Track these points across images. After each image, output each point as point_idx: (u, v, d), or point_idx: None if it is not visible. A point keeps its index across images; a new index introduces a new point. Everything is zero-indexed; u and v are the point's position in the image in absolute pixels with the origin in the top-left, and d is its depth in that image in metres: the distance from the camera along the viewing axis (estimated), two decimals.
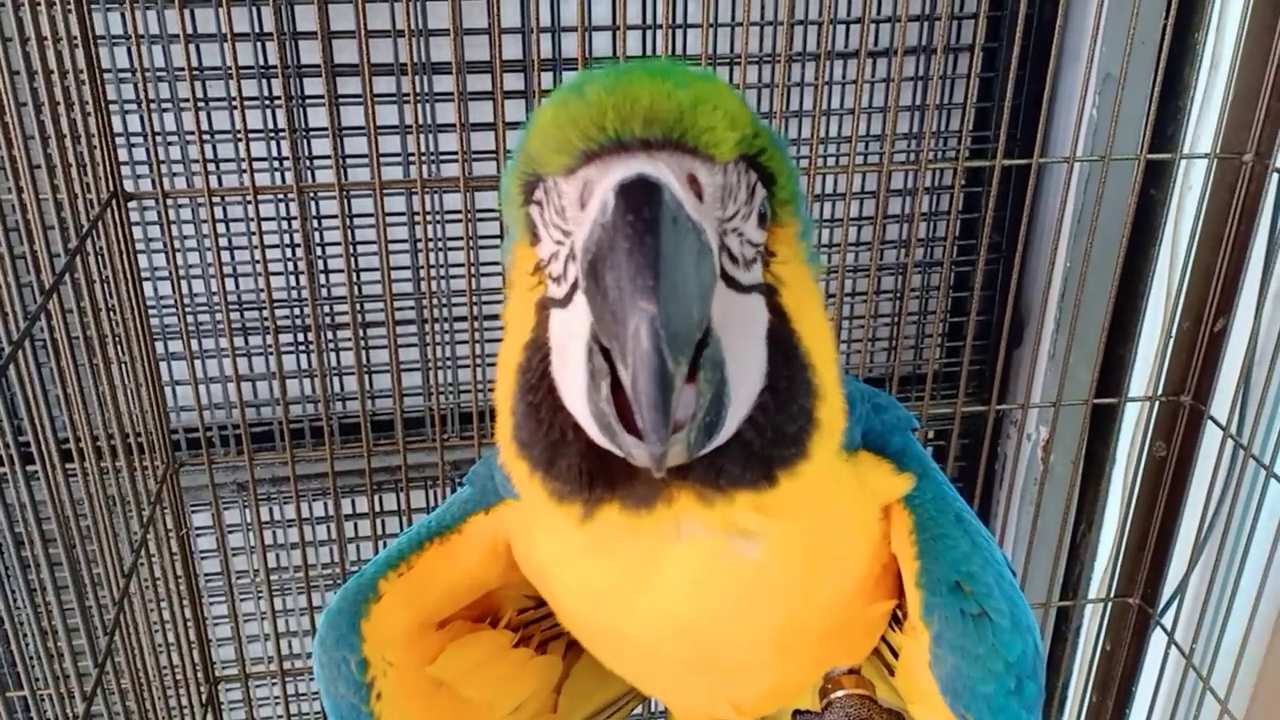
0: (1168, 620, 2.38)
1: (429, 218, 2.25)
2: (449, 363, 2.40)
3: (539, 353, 1.00)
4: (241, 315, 2.31)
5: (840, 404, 1.07)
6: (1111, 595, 2.51)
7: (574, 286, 0.95)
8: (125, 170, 2.04)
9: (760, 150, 0.98)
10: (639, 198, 0.86)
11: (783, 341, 1.00)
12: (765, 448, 0.98)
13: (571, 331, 0.95)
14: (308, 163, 2.22)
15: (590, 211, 0.89)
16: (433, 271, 2.29)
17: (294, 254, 2.28)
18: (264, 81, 2.14)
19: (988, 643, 1.13)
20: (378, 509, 2.22)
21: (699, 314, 0.89)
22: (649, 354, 0.84)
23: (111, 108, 1.89)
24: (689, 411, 0.90)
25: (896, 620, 1.39)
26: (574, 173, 0.92)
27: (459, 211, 2.22)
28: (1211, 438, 2.22)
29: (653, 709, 2.73)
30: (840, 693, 1.45)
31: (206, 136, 2.13)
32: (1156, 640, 2.42)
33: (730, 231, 0.96)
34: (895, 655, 1.44)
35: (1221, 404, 2.19)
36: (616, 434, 0.90)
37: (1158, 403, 2.31)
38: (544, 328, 1.00)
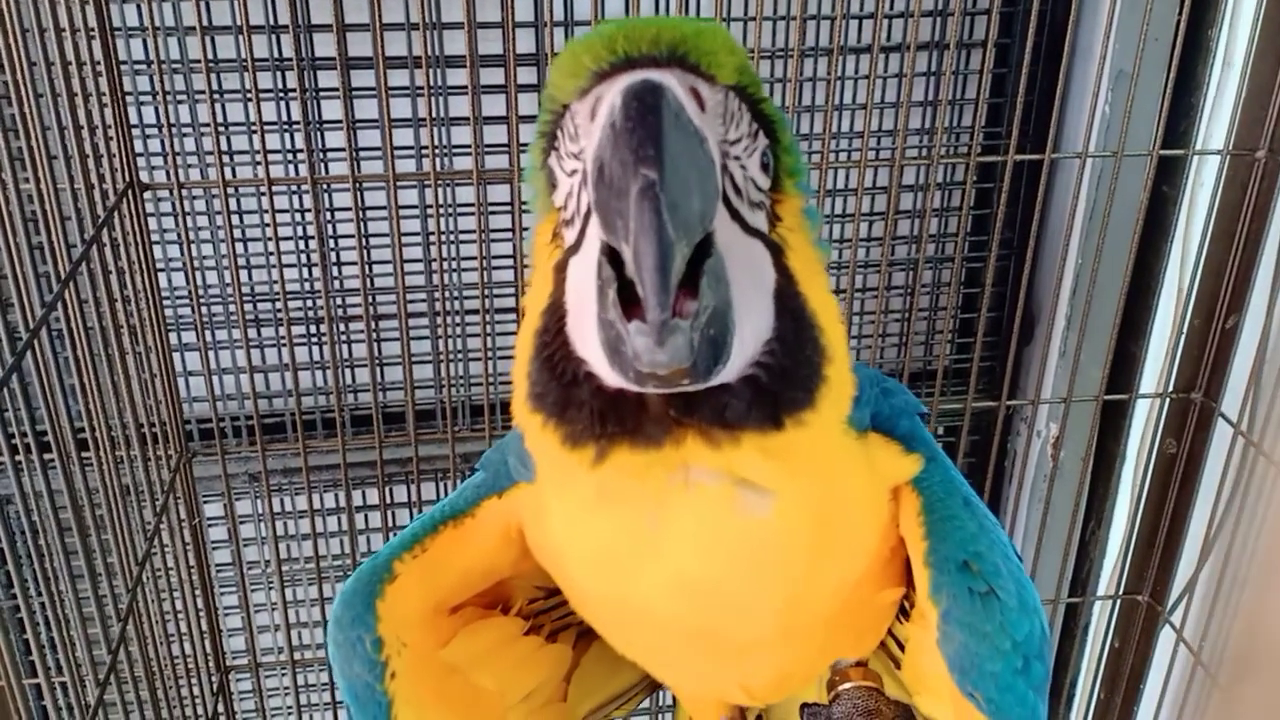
0: (1176, 617, 2.38)
1: (442, 210, 2.25)
2: (460, 355, 2.41)
3: (555, 314, 1.02)
4: (255, 307, 2.32)
5: (848, 372, 1.08)
6: (1120, 592, 2.51)
7: (585, 218, 0.98)
8: (141, 161, 2.05)
9: (759, 99, 1.03)
10: (643, 94, 0.91)
11: (790, 300, 1.02)
12: (772, 386, 1.00)
13: (584, 270, 0.97)
14: (321, 155, 2.23)
15: (599, 119, 0.93)
16: (445, 264, 2.30)
17: (307, 246, 2.29)
18: (279, 74, 2.15)
19: (995, 621, 1.15)
20: (389, 500, 2.23)
21: (700, 204, 0.91)
22: (650, 214, 0.87)
23: (128, 99, 1.90)
24: (692, 311, 0.91)
25: (903, 612, 1.40)
26: (587, 92, 0.96)
27: (471, 204, 2.23)
28: (1222, 435, 2.22)
29: (659, 703, 2.75)
30: (847, 685, 1.45)
31: (221, 128, 2.14)
32: (1165, 637, 2.42)
33: (732, 159, 1.00)
34: (902, 649, 1.45)
35: (1232, 401, 2.19)
36: (622, 341, 0.91)
37: (1168, 399, 2.31)
38: (561, 289, 1.02)
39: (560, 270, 1.03)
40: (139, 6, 2.05)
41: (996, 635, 1.15)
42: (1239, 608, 2.23)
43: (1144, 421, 2.37)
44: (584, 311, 0.97)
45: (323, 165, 2.23)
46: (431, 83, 2.13)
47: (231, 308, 2.26)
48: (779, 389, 1.00)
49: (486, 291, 1.99)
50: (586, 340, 0.98)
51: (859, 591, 1.25)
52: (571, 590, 1.27)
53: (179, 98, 2.13)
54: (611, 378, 0.96)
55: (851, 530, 1.19)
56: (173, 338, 2.20)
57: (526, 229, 2.03)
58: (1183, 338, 2.26)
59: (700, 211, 0.91)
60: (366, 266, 2.25)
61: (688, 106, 0.93)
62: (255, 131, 1.90)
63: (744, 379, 0.99)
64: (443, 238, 2.10)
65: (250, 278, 2.30)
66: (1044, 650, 1.18)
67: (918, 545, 1.20)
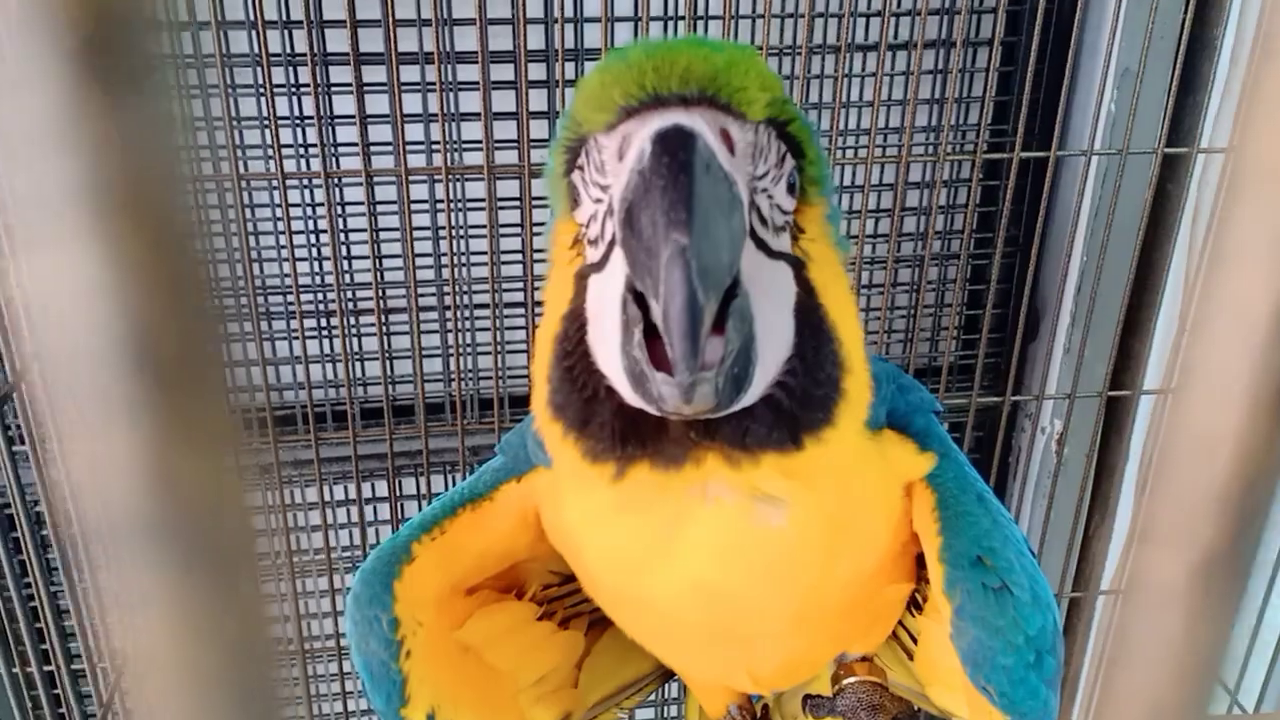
0: None
1: (452, 205, 2.27)
2: (470, 349, 2.42)
3: (576, 322, 1.03)
4: (266, 300, 2.34)
5: (866, 380, 1.10)
6: (1124, 588, 2.52)
7: (610, 245, 0.99)
8: None
9: (789, 120, 1.02)
10: (674, 144, 0.91)
11: (810, 314, 1.03)
12: (792, 409, 1.01)
13: (607, 292, 0.98)
14: (333, 150, 2.25)
15: (628, 161, 0.93)
16: (455, 259, 2.31)
17: (319, 240, 2.31)
18: (292, 69, 2.17)
19: (1008, 615, 1.16)
20: (398, 493, 2.25)
21: (729, 257, 0.92)
22: (681, 283, 0.87)
23: None
24: (717, 356, 0.93)
25: (916, 605, 1.41)
26: (614, 128, 0.96)
27: (482, 199, 2.25)
28: None
29: (666, 695, 2.76)
30: (852, 679, 1.47)
31: (235, 122, 2.16)
32: None
33: (760, 191, 1.00)
34: (914, 641, 1.47)
35: None
36: (647, 379, 0.93)
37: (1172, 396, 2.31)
38: (581, 297, 1.03)
39: (582, 278, 1.04)
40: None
41: (1010, 630, 1.16)
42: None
43: (1148, 418, 2.38)
44: (606, 331, 0.98)
45: (334, 160, 2.25)
46: (443, 78, 2.15)
47: (243, 301, 2.28)
48: (799, 410, 1.02)
49: (496, 286, 2.01)
50: (608, 358, 0.99)
51: (870, 585, 1.27)
52: (585, 578, 1.29)
53: (193, 92, 2.14)
54: (633, 399, 0.98)
55: (865, 528, 1.20)
56: None
57: (537, 224, 2.05)
58: (1187, 335, 2.26)
59: (729, 263, 0.92)
60: (377, 260, 2.27)
61: (719, 154, 0.93)
62: (268, 126, 1.92)
63: (764, 399, 1.00)
64: (453, 232, 2.12)
65: (262, 271, 2.32)
66: (1056, 644, 1.20)
67: (932, 541, 1.21)
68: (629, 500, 1.05)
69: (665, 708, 2.81)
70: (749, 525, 1.06)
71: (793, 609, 1.18)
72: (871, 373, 1.12)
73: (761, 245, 1.00)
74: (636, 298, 0.93)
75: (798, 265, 1.04)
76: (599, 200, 1.01)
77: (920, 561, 1.31)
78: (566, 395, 1.05)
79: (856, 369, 1.07)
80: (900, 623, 1.48)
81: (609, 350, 0.98)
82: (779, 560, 1.10)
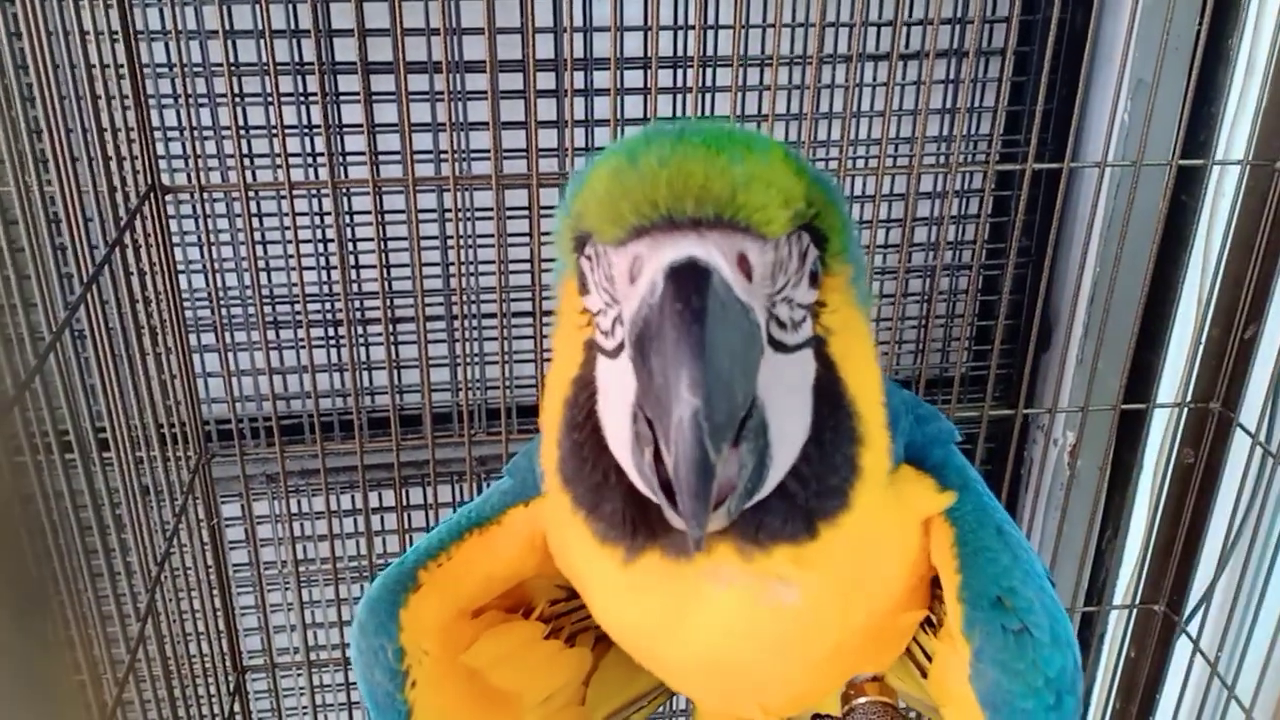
0: (1193, 628, 2.37)
1: (460, 215, 2.26)
2: (477, 359, 2.41)
3: (585, 390, 1.01)
4: (274, 309, 2.33)
5: (885, 445, 1.07)
6: (1136, 602, 2.50)
7: (621, 346, 0.95)
8: (162, 164, 2.06)
9: (815, 215, 0.97)
10: (688, 283, 0.87)
11: (828, 390, 1.00)
12: (807, 500, 0.99)
13: (618, 384, 0.96)
14: (341, 159, 2.24)
15: (639, 288, 0.90)
16: (463, 268, 2.31)
17: (326, 249, 2.30)
18: (300, 78, 2.17)
19: (1028, 658, 1.13)
20: (405, 503, 2.24)
21: (743, 396, 0.89)
22: (691, 446, 0.85)
23: (150, 102, 1.91)
24: (730, 479, 0.91)
25: (930, 623, 1.39)
26: (624, 245, 0.92)
27: (490, 209, 2.24)
28: (1240, 445, 2.20)
29: (674, 707, 2.75)
30: (862, 699, 1.46)
31: (243, 132, 2.15)
32: (1181, 648, 2.41)
33: (780, 301, 0.96)
34: (929, 658, 1.45)
35: (1250, 411, 2.18)
36: (659, 498, 0.92)
37: (1186, 409, 2.30)
38: (591, 367, 1.01)
39: (591, 349, 1.01)
40: (162, 10, 2.06)
41: (1029, 673, 1.14)
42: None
43: (1162, 431, 2.36)
44: (614, 414, 0.96)
45: (342, 169, 2.24)
46: (451, 88, 2.14)
47: (251, 310, 2.28)
48: (814, 501, 1.00)
49: (504, 296, 2.00)
50: (617, 445, 0.97)
51: (884, 620, 1.25)
52: (593, 611, 1.27)
53: (201, 101, 2.14)
54: (643, 489, 0.96)
55: (881, 577, 1.18)
56: (192, 339, 2.21)
57: (545, 234, 2.04)
58: (1201, 348, 2.25)
59: (743, 400, 0.90)
60: (385, 270, 2.26)
61: (735, 286, 0.89)
62: (276, 135, 1.91)
63: (778, 490, 0.98)
64: (461, 242, 2.11)
65: (270, 280, 2.31)
66: (1076, 683, 1.17)
67: (951, 579, 1.19)
68: (639, 583, 1.04)
69: (673, 719, 2.80)
70: (759, 604, 1.04)
71: (805, 665, 1.17)
72: (890, 408, 1.10)
73: (780, 347, 0.96)
74: (648, 417, 0.90)
75: (818, 343, 1.00)
76: (609, 305, 0.97)
77: (935, 582, 1.29)
78: (576, 470, 1.03)
79: (875, 440, 1.05)
80: (915, 639, 1.46)
81: (619, 439, 0.96)
82: (790, 633, 1.09)
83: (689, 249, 0.88)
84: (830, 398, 1.00)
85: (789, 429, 0.96)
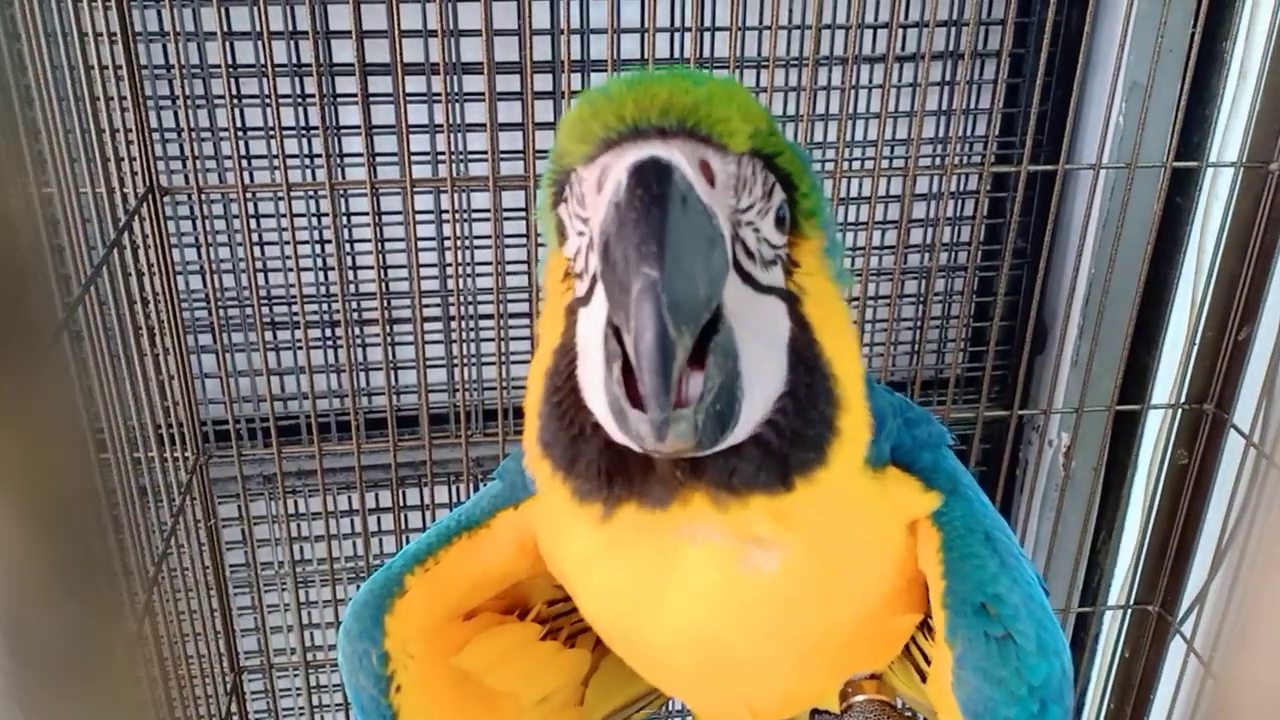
0: (1187, 628, 2.38)
1: (457, 216, 2.27)
2: (474, 360, 2.42)
3: (566, 356, 1.03)
4: (271, 310, 2.34)
5: (865, 418, 1.08)
6: (1131, 602, 2.50)
7: (594, 279, 0.98)
8: (160, 166, 2.07)
9: (778, 152, 1.00)
10: (649, 176, 0.90)
11: (804, 351, 1.01)
12: (782, 449, 0.99)
13: (592, 326, 0.97)
14: (338, 160, 2.25)
15: (605, 193, 0.92)
16: (460, 269, 2.31)
17: (324, 250, 2.31)
18: (298, 80, 2.17)
19: (1011, 666, 1.13)
20: (402, 503, 2.25)
21: (705, 291, 0.91)
22: (650, 317, 0.86)
23: (148, 104, 1.92)
24: (697, 392, 0.91)
25: (929, 628, 1.40)
26: (594, 160, 0.95)
27: (486, 210, 2.24)
28: (1234, 446, 2.21)
29: (672, 708, 2.75)
30: (860, 698, 1.46)
31: (240, 133, 2.16)
32: (1175, 648, 2.42)
33: (744, 225, 0.98)
34: (929, 662, 1.45)
35: (1244, 412, 2.19)
36: (626, 416, 0.92)
37: (1180, 410, 2.31)
38: (571, 331, 1.02)
39: (571, 312, 1.03)
40: (160, 12, 2.07)
41: (1012, 681, 1.13)
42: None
43: (1156, 432, 2.36)
44: (592, 366, 0.98)
45: (340, 170, 2.25)
46: (448, 89, 2.15)
47: (249, 311, 2.28)
48: (789, 450, 1.00)
49: (501, 296, 2.01)
50: (594, 394, 0.98)
51: (874, 620, 1.24)
52: (584, 612, 1.28)
53: (199, 103, 2.15)
54: (617, 435, 0.97)
55: (864, 569, 1.18)
56: (190, 340, 2.22)
57: (542, 235, 2.05)
58: (1195, 349, 2.25)
59: (706, 297, 0.91)
60: (382, 271, 2.26)
61: (696, 186, 0.92)
62: (274, 137, 1.92)
63: (753, 438, 0.99)
64: (458, 243, 2.12)
65: (267, 281, 2.32)
66: (1064, 692, 1.16)
67: (936, 584, 1.18)
68: (618, 541, 1.04)
69: None
70: (738, 570, 1.04)
71: (788, 652, 1.17)
72: (876, 407, 1.10)
73: (748, 279, 0.98)
74: (618, 335, 0.92)
75: (791, 300, 1.02)
76: (582, 233, 1.00)
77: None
78: (554, 432, 1.04)
79: (854, 406, 1.05)
80: (915, 642, 1.46)
81: (595, 386, 0.97)
82: (771, 606, 1.08)
83: (651, 150, 0.91)
84: (806, 358, 1.01)
85: (761, 370, 0.97)
